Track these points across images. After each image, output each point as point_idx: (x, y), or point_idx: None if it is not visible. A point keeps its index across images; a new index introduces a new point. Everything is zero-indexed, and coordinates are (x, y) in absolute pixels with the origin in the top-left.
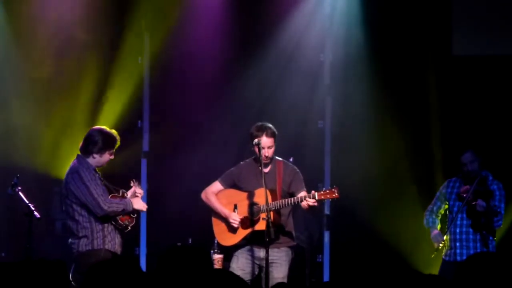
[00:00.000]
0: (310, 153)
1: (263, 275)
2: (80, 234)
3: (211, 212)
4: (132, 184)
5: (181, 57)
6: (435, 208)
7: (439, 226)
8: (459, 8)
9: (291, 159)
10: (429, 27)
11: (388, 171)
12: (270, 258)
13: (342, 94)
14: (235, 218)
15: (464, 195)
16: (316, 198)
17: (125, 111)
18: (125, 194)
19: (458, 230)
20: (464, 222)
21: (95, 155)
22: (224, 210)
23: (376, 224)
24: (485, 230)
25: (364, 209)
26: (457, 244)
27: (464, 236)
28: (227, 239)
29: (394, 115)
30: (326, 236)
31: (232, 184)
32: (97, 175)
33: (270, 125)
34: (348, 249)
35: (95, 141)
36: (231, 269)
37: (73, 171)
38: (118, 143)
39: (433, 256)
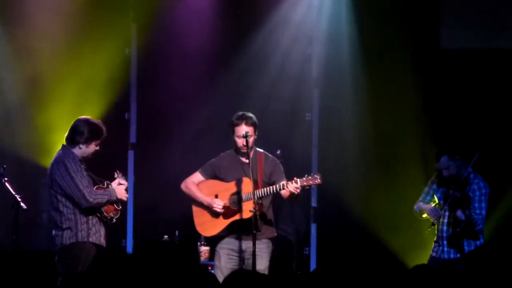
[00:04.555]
0: (297, 146)
1: (245, 267)
2: (64, 226)
3: (192, 202)
4: (116, 175)
5: (168, 48)
6: (425, 202)
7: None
8: (447, 1)
9: (278, 152)
10: (416, 20)
11: (375, 163)
12: (250, 249)
13: (330, 87)
14: (218, 203)
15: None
16: (299, 184)
17: (113, 102)
18: (110, 186)
19: (445, 228)
20: (451, 221)
21: (81, 146)
22: (206, 198)
23: (363, 217)
24: (470, 236)
25: (352, 202)
26: (445, 242)
27: (451, 235)
28: (208, 230)
29: (381, 108)
30: (313, 228)
31: (213, 175)
32: (83, 166)
33: (250, 115)
34: (335, 241)
35: (81, 131)
36: (215, 267)
37: (59, 161)
38: (105, 134)
39: (427, 232)
